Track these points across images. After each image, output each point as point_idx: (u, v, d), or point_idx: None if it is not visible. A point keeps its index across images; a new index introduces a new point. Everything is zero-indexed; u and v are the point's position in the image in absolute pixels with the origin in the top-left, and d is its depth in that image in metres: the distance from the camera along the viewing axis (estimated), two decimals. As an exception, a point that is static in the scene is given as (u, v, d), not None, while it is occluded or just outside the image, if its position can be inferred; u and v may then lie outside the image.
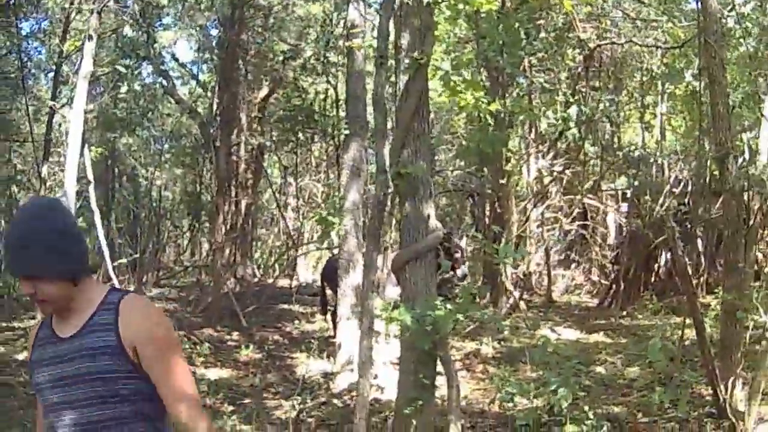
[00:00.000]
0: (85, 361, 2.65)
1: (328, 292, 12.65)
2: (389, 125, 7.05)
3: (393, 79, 6.84)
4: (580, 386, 7.51)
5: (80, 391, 2.65)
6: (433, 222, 6.22)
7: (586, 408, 6.38)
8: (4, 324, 13.42)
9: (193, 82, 22.79)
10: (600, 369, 9.86)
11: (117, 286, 11.52)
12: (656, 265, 15.46)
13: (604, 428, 6.30)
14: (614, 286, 15.43)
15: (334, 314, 11.37)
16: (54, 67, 15.30)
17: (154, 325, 2.75)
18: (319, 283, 14.32)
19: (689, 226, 14.93)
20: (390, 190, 6.15)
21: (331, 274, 11.59)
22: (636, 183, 16.39)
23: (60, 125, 15.83)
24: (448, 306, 5.76)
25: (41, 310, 2.80)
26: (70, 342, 2.70)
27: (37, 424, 3.01)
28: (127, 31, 15.48)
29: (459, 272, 11.65)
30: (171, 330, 2.87)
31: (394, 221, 10.81)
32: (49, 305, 2.72)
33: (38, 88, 20.37)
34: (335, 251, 13.79)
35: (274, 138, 22.79)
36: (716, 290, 11.43)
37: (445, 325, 5.71)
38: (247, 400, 9.44)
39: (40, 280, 2.64)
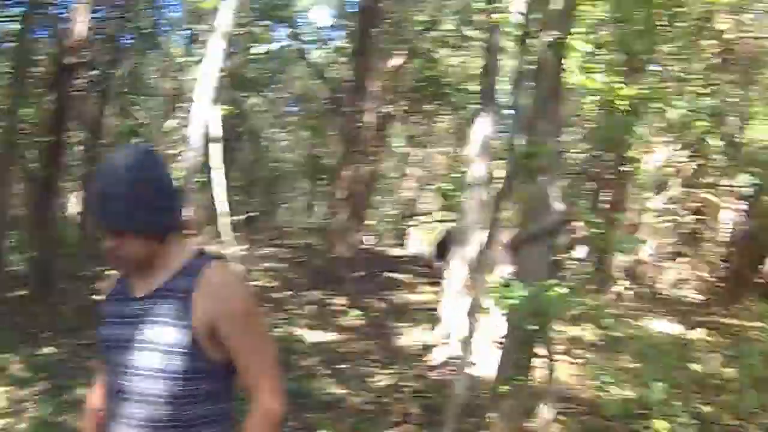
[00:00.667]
0: (151, 328, 2.45)
1: (438, 264, 12.62)
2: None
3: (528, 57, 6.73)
4: (674, 383, 7.35)
5: (140, 358, 2.43)
6: (557, 204, 6.10)
7: (679, 404, 6.22)
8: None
9: (327, 47, 22.98)
10: (696, 366, 9.57)
11: (230, 241, 11.76)
12: (764, 268, 15.07)
13: (695, 428, 6.13)
14: (722, 284, 15.06)
15: (442, 287, 11.31)
16: (189, 25, 15.62)
17: (235, 299, 2.51)
18: (429, 254, 14.33)
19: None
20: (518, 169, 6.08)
21: (443, 247, 11.56)
22: (758, 182, 15.83)
23: (194, 80, 16.20)
24: (562, 290, 5.63)
25: (116, 268, 2.64)
26: (140, 303, 2.52)
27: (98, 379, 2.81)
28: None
29: (579, 253, 11.47)
30: (251, 302, 2.60)
31: (513, 200, 10.67)
32: (124, 265, 2.55)
33: (169, 44, 20.87)
34: (449, 225, 13.78)
35: (402, 107, 22.81)
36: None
37: (556, 307, 5.59)
38: (345, 366, 9.44)
39: (124, 234, 2.44)
